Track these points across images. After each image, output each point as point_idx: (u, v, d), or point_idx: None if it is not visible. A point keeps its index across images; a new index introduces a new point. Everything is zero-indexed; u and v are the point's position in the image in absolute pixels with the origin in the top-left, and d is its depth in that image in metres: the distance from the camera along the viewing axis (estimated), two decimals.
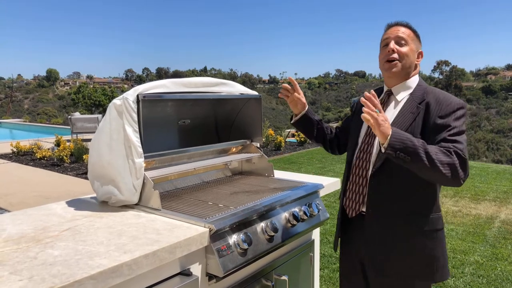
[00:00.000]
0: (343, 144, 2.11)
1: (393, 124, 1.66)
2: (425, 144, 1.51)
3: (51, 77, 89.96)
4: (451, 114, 1.60)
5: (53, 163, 8.70)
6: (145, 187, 1.85)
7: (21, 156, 9.65)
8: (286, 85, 2.02)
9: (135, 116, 1.80)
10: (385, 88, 1.84)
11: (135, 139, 1.80)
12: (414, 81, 1.76)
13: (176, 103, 2.21)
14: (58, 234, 1.54)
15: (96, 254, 1.34)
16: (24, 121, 22.34)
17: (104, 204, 1.94)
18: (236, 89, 2.32)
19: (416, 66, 1.77)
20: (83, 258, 1.31)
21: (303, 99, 2.04)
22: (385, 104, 1.78)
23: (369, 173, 1.73)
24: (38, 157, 9.15)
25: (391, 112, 1.74)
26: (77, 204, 1.96)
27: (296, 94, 2.01)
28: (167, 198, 2.03)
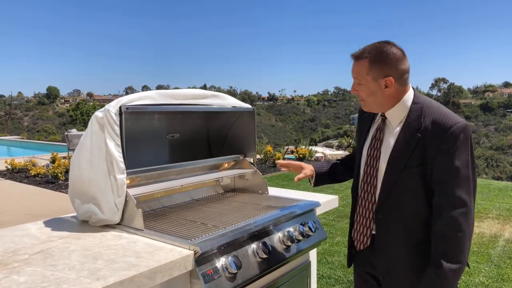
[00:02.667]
0: None
1: (392, 155, 1.55)
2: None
3: (51, 94, 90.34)
4: (452, 144, 1.45)
5: (48, 180, 8.54)
6: (128, 205, 1.72)
7: (16, 173, 9.49)
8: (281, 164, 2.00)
9: (117, 129, 1.69)
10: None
11: (117, 154, 1.68)
12: (407, 100, 1.57)
13: (164, 116, 2.10)
14: (28, 257, 1.40)
15: (64, 281, 1.20)
16: (21, 138, 22.23)
17: (84, 224, 1.81)
18: (228, 101, 2.21)
19: (397, 93, 1.55)
20: (50, 286, 1.17)
21: (306, 168, 1.92)
22: (381, 130, 1.63)
23: (375, 207, 1.62)
24: (32, 174, 8.99)
25: (389, 140, 1.60)
26: (55, 224, 1.82)
27: (296, 179, 1.90)
28: (152, 217, 1.90)
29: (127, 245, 1.53)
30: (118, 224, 1.74)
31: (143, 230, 1.66)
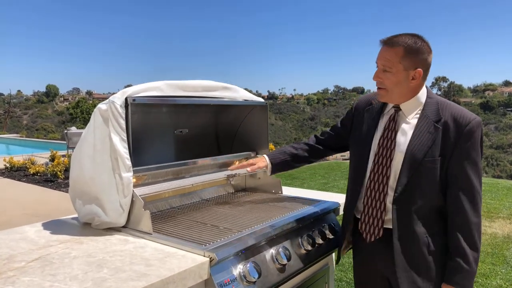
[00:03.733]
0: (334, 148, 1.96)
1: (411, 145, 1.54)
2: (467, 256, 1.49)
3: (51, 93, 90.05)
4: (470, 138, 1.50)
5: (47, 179, 8.37)
6: (134, 206, 1.57)
7: (14, 172, 9.31)
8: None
9: (123, 123, 1.54)
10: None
11: (123, 149, 1.53)
12: (422, 95, 1.59)
13: (172, 109, 1.95)
14: (24, 265, 1.26)
15: None
16: (20, 136, 22.05)
17: (86, 227, 1.66)
18: (240, 94, 2.06)
19: (418, 86, 1.56)
20: None
21: (258, 161, 1.94)
22: (394, 121, 1.61)
23: (387, 198, 1.59)
24: (31, 172, 8.82)
25: (405, 131, 1.58)
26: (54, 226, 1.68)
27: (250, 169, 1.94)
28: (160, 219, 1.75)
29: (135, 251, 1.38)
30: (124, 227, 1.60)
31: (151, 234, 1.51)
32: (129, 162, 1.54)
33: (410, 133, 1.55)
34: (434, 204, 1.55)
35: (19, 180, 8.47)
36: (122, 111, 1.53)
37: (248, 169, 1.91)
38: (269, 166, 1.94)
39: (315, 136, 2.00)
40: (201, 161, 2.01)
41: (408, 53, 1.49)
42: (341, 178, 8.66)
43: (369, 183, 1.63)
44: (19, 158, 9.98)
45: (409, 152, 1.53)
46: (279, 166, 1.95)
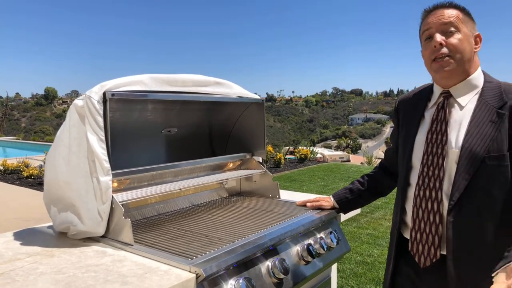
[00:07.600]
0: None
1: (467, 138, 1.26)
2: None
3: (49, 95, 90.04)
4: None
5: (40, 182, 8.19)
6: (114, 214, 1.40)
7: (8, 175, 9.13)
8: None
9: (100, 120, 1.37)
10: (438, 89, 1.39)
11: (100, 150, 1.37)
12: (478, 76, 1.33)
13: (159, 106, 1.78)
14: None
15: None
16: (17, 139, 21.87)
17: (62, 237, 1.50)
18: (234, 90, 1.90)
19: (476, 61, 1.34)
20: None
21: (325, 203, 1.79)
22: (443, 109, 1.34)
23: (445, 207, 1.28)
24: (25, 175, 8.64)
25: (458, 121, 1.31)
26: (26, 236, 1.51)
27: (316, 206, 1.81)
28: (144, 227, 1.59)
29: (111, 266, 1.21)
30: (103, 237, 1.43)
31: (132, 245, 1.34)
32: (107, 165, 1.37)
33: (465, 124, 1.28)
34: (506, 216, 1.23)
35: (12, 183, 8.28)
36: (99, 107, 1.37)
37: (309, 204, 1.82)
38: (335, 205, 1.76)
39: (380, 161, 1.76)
40: (191, 163, 1.85)
41: (466, 15, 1.32)
42: (340, 180, 8.50)
43: (417, 190, 1.33)
44: (12, 161, 9.80)
45: (465, 147, 1.25)
46: (345, 204, 1.75)
